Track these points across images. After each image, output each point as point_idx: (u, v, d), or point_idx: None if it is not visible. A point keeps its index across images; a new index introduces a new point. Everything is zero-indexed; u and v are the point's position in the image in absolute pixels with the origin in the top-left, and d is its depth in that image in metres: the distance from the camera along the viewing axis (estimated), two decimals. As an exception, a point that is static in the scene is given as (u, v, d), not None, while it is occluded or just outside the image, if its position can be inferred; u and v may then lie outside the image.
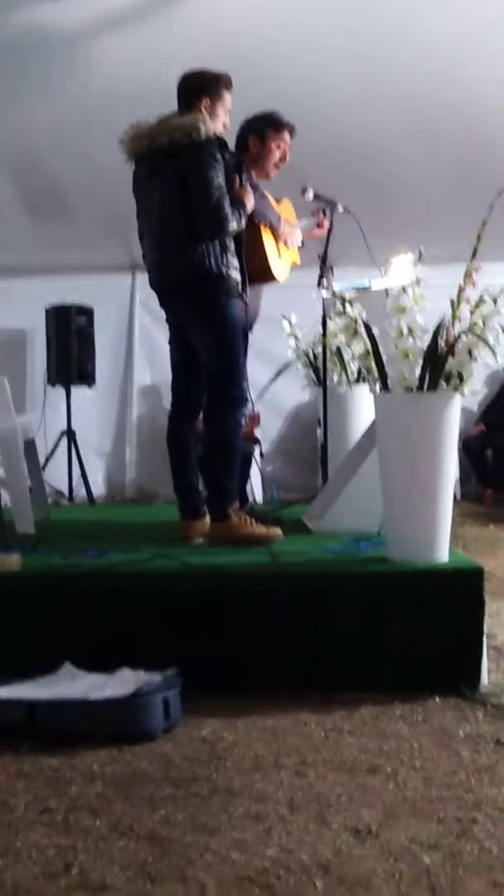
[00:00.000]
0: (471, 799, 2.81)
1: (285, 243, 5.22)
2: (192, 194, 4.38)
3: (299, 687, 3.72)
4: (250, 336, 5.00)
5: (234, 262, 4.54)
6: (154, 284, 4.68)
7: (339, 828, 2.63)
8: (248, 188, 4.64)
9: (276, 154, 5.10)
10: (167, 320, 4.80)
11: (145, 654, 3.65)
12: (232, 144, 4.87)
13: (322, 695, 3.67)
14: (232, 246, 4.54)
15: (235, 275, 4.53)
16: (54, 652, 3.69)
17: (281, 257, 5.17)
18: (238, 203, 4.49)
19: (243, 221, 4.53)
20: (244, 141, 5.09)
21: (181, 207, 4.42)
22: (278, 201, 5.32)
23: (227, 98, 4.59)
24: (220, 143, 4.46)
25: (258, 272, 4.95)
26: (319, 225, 5.63)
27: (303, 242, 5.53)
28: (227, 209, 4.38)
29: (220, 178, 4.39)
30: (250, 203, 4.60)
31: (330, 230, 5.63)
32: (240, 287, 4.58)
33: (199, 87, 4.54)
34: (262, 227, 4.98)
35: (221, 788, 2.91)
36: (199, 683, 3.58)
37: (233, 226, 4.43)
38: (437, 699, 3.65)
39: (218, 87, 4.55)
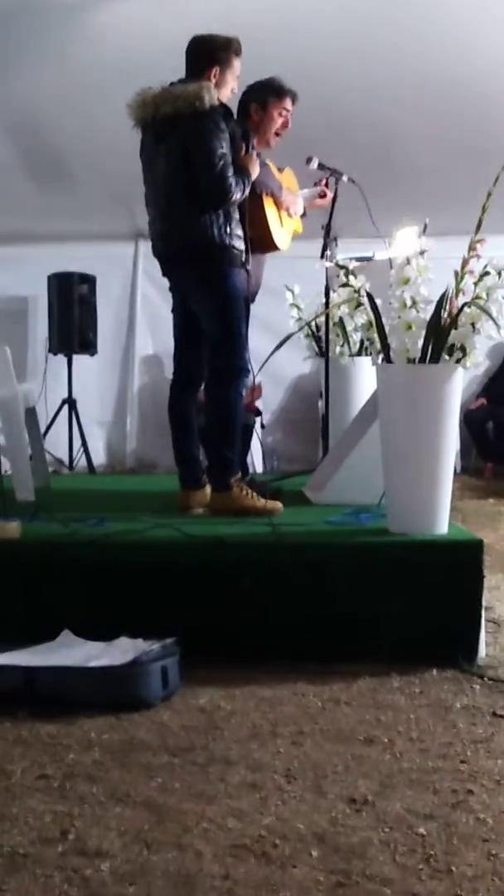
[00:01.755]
0: (467, 770, 2.82)
1: (287, 212, 5.18)
2: (196, 164, 4.36)
3: (297, 658, 3.72)
4: (252, 306, 4.99)
5: (238, 231, 4.52)
6: (157, 253, 4.66)
7: (335, 797, 2.64)
8: (254, 156, 4.61)
9: (278, 121, 5.04)
10: (170, 289, 4.79)
11: (144, 623, 3.66)
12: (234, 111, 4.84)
13: (320, 666, 3.68)
14: (236, 215, 4.52)
15: (239, 244, 4.51)
16: (53, 619, 3.70)
17: (283, 226, 5.14)
18: (242, 171, 4.46)
19: (247, 190, 4.50)
20: (245, 108, 5.04)
21: (185, 177, 4.40)
22: (280, 170, 5.28)
23: (237, 64, 4.54)
24: (225, 111, 4.43)
25: (260, 241, 4.92)
26: (322, 195, 5.59)
27: (305, 212, 5.50)
28: (231, 178, 4.35)
29: (224, 148, 4.35)
30: (255, 171, 4.57)
31: (334, 201, 5.59)
32: (243, 257, 4.56)
33: (209, 55, 4.49)
34: (264, 197, 4.94)
35: (218, 757, 2.92)
36: (197, 653, 3.59)
37: (237, 195, 4.41)
38: (435, 671, 3.66)
39: (227, 53, 4.51)
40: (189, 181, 4.39)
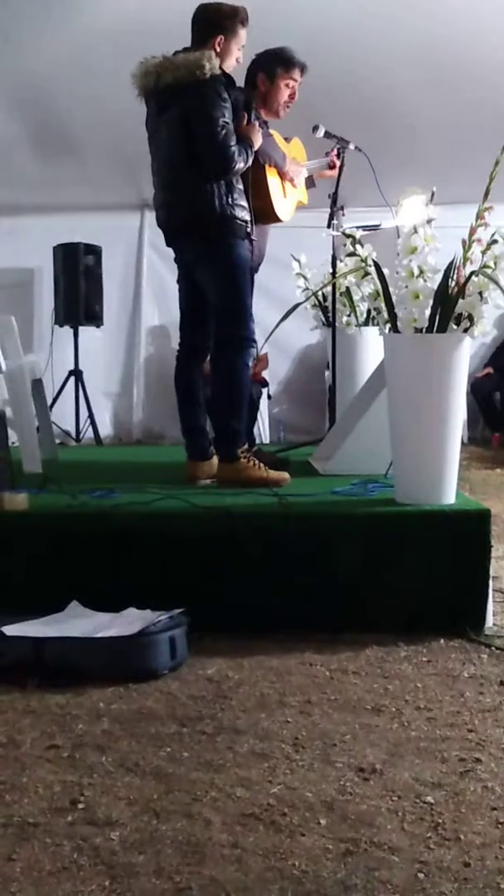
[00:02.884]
0: (474, 739, 2.83)
1: (291, 182, 5.14)
2: (198, 133, 4.33)
3: (305, 627, 3.73)
4: (258, 276, 4.97)
5: (242, 202, 4.49)
6: (161, 223, 4.64)
7: (343, 766, 2.65)
8: (256, 126, 4.58)
9: (285, 92, 4.98)
10: (175, 260, 4.77)
11: (152, 594, 3.67)
12: (242, 80, 4.80)
13: (327, 635, 3.69)
14: (240, 185, 4.48)
15: (242, 215, 4.48)
16: (61, 590, 3.71)
17: (286, 197, 5.10)
18: (245, 141, 4.43)
19: (249, 160, 4.47)
20: (253, 78, 4.99)
21: (187, 146, 4.37)
22: (288, 140, 5.23)
23: (242, 34, 4.50)
24: (228, 80, 4.39)
25: (262, 212, 4.88)
26: (332, 166, 5.55)
27: (314, 182, 5.46)
28: (233, 147, 4.32)
29: (225, 117, 4.32)
30: (258, 141, 4.54)
31: (341, 169, 5.55)
32: (248, 227, 4.53)
33: (215, 24, 4.45)
34: (267, 167, 4.90)
35: (227, 727, 2.93)
36: (205, 623, 3.60)
37: (240, 164, 4.38)
38: (442, 641, 3.66)
39: (234, 23, 4.47)
40: (191, 151, 4.36)
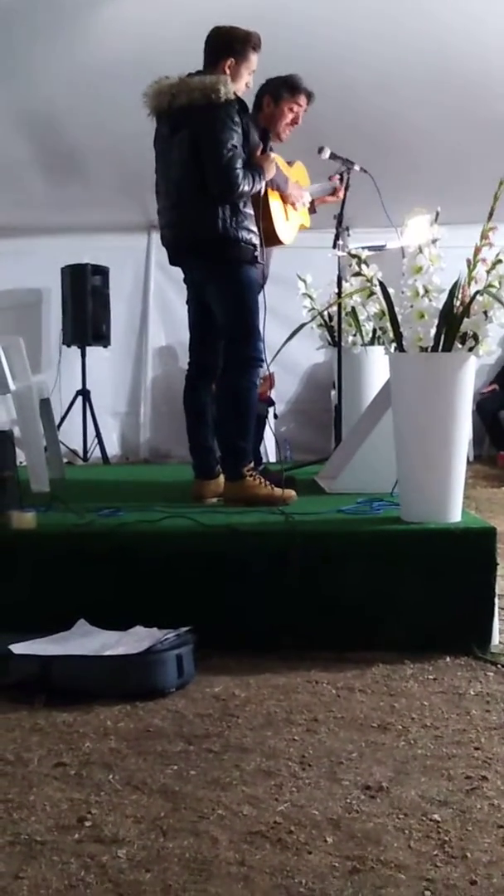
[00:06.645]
0: (481, 757, 2.83)
1: (293, 205, 5.17)
2: (205, 155, 4.35)
3: (311, 646, 3.74)
4: (266, 297, 4.98)
5: (250, 225, 4.50)
6: (167, 243, 4.66)
7: (349, 784, 2.66)
8: (271, 157, 4.60)
9: (288, 117, 5.06)
10: (184, 280, 4.79)
11: (159, 612, 3.68)
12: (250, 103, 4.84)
13: (333, 653, 3.70)
14: (248, 210, 4.49)
15: (249, 237, 4.48)
16: (69, 608, 3.72)
17: (288, 220, 5.13)
18: (256, 168, 4.46)
19: (257, 186, 4.49)
20: (259, 99, 5.06)
21: (196, 169, 4.39)
22: (290, 163, 5.27)
23: (253, 59, 4.53)
24: (241, 106, 4.42)
25: (264, 234, 4.90)
26: (335, 191, 5.58)
27: (315, 209, 5.49)
28: (238, 170, 4.33)
29: (234, 140, 4.34)
30: (270, 172, 4.58)
31: (346, 191, 5.58)
32: (255, 251, 4.54)
33: (226, 47, 4.48)
34: (268, 190, 4.93)
35: (233, 745, 2.93)
36: (212, 641, 3.61)
37: (245, 187, 4.39)
38: (448, 659, 3.67)
39: (245, 47, 4.50)
40: (200, 173, 4.39)
